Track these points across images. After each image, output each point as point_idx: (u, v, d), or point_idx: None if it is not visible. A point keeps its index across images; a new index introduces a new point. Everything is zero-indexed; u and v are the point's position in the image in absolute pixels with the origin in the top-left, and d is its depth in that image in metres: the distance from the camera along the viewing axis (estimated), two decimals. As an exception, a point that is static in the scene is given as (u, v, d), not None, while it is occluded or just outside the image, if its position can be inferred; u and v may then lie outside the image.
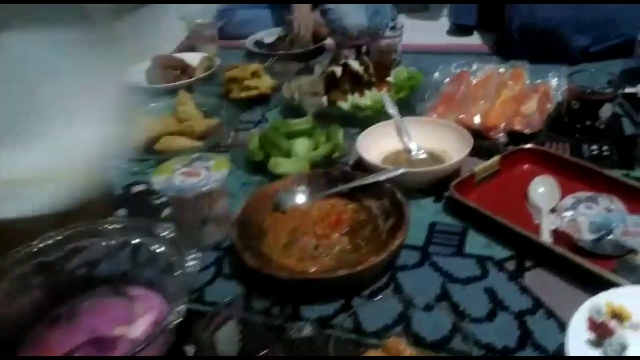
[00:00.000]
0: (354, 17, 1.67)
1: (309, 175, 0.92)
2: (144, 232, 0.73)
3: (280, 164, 0.97)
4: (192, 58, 1.61)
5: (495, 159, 0.91)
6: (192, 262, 0.68)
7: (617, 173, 0.91)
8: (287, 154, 1.01)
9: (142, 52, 1.84)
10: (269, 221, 0.84)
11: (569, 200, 0.81)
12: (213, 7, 1.84)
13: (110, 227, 0.75)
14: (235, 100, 1.33)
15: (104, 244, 0.75)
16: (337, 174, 0.91)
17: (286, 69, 1.51)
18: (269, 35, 1.79)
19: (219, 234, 0.83)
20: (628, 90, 1.15)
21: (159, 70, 1.54)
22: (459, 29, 1.73)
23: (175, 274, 0.68)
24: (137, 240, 0.74)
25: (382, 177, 0.86)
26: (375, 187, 0.86)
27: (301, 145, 1.02)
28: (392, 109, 1.07)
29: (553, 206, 0.82)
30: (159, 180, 0.79)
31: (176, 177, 0.79)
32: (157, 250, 0.72)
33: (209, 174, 0.79)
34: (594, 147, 0.99)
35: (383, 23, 1.68)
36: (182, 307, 0.59)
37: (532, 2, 1.37)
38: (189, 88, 1.43)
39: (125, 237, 0.74)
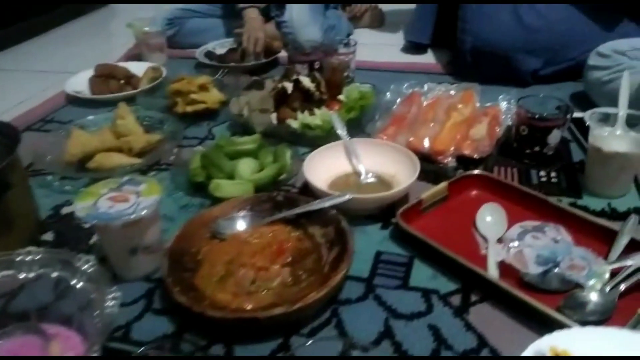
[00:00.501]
0: (309, 31, 1.64)
1: (251, 200, 0.87)
2: (63, 264, 0.67)
3: (221, 187, 0.92)
4: (139, 68, 1.54)
5: (443, 185, 0.89)
6: (112, 300, 0.62)
7: (565, 201, 0.90)
8: (231, 176, 0.96)
9: (87, 60, 1.76)
10: (205, 251, 0.78)
11: (515, 230, 0.79)
12: (164, 15, 1.78)
13: (26, 259, 0.69)
14: (180, 115, 1.27)
15: (19, 276, 0.68)
16: (281, 198, 0.87)
17: (237, 82, 1.45)
18: (221, 46, 1.74)
19: (150, 265, 0.77)
20: (576, 115, 1.16)
21: (101, 79, 1.47)
22: (413, 47, 1.72)
23: (95, 313, 0.62)
24: (55, 274, 0.68)
25: (327, 204, 0.82)
26: (320, 214, 0.82)
27: (245, 166, 0.98)
28: (341, 130, 1.04)
29: (500, 236, 0.80)
30: (82, 206, 0.72)
31: (102, 203, 0.73)
32: (77, 286, 0.66)
33: (139, 199, 0.73)
34: (543, 173, 0.99)
35: (337, 39, 1.66)
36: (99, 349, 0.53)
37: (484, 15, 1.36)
38: (132, 100, 1.36)
39: (43, 270, 0.68)
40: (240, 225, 0.83)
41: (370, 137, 1.10)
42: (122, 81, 1.46)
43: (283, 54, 1.66)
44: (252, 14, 1.73)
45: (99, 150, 1.08)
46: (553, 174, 0.98)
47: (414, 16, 1.67)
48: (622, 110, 0.89)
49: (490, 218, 0.84)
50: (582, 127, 1.11)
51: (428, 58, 1.67)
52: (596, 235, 0.79)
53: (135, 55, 1.72)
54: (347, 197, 0.83)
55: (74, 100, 1.44)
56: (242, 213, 0.84)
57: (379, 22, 2.00)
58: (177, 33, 1.80)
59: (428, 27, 1.64)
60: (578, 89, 1.31)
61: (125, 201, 0.73)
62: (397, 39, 1.85)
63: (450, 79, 1.46)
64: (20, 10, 2.07)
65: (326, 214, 0.82)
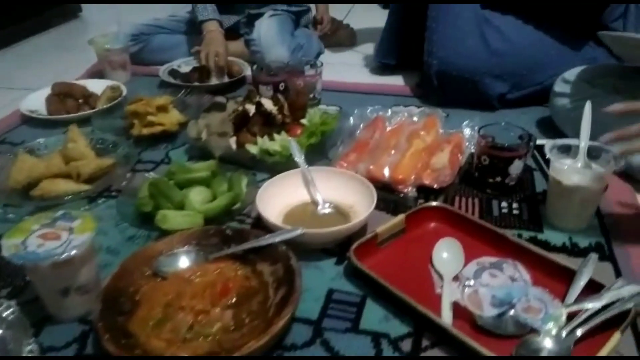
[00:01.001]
0: (276, 51, 1.60)
1: (198, 234, 0.82)
2: (-19, 310, 0.62)
3: (168, 219, 0.87)
4: (99, 86, 1.49)
5: (400, 218, 0.86)
6: (29, 353, 0.57)
7: (525, 234, 0.88)
8: (180, 206, 0.91)
9: (49, 76, 1.70)
10: (145, 290, 0.74)
11: (472, 267, 0.76)
12: (128, 31, 1.73)
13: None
14: (137, 137, 1.22)
15: None
16: (230, 232, 0.82)
17: (199, 102, 1.41)
18: (187, 64, 1.69)
19: (84, 305, 0.72)
20: (540, 142, 1.14)
21: (57, 98, 1.41)
22: (383, 68, 1.70)
23: (12, 365, 0.57)
24: (-28, 321, 0.62)
25: (277, 239, 0.78)
26: (270, 249, 0.78)
27: (196, 196, 0.93)
28: (299, 157, 1.00)
29: (456, 273, 0.77)
30: (10, 244, 0.67)
31: (31, 241, 0.68)
32: (-5, 334, 0.61)
33: (70, 237, 0.68)
34: (504, 204, 0.96)
35: (304, 59, 1.63)
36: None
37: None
38: (88, 120, 1.31)
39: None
40: (184, 262, 0.78)
41: (332, 162, 1.07)
42: (80, 100, 1.41)
43: (249, 73, 1.63)
44: (211, 26, 1.67)
45: (45, 176, 1.03)
46: (515, 205, 0.96)
47: (382, 36, 1.64)
48: (584, 141, 0.87)
49: (446, 254, 0.81)
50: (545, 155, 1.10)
51: (397, 79, 1.65)
52: (555, 274, 0.76)
53: (97, 72, 1.67)
54: (299, 231, 0.79)
55: (29, 120, 1.38)
56: (187, 248, 0.80)
57: (351, 41, 1.98)
58: (142, 49, 1.75)
59: (395, 48, 1.62)
60: (545, 114, 1.30)
61: (57, 239, 0.68)
62: (368, 58, 1.83)
63: (417, 102, 1.45)
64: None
65: (276, 249, 0.78)
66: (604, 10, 1.30)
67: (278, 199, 0.93)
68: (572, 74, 1.19)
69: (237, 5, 1.83)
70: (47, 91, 1.45)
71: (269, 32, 1.64)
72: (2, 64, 1.94)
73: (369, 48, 1.94)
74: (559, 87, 1.20)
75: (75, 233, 0.69)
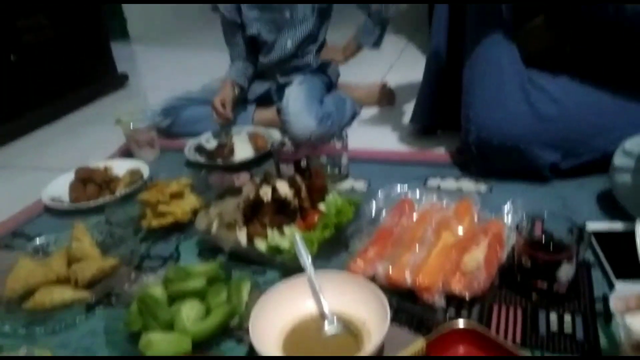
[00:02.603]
0: (303, 120, 1.51)
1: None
2: None
3: (152, 344, 0.76)
4: (124, 167, 1.45)
5: (419, 345, 0.71)
6: None
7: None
8: (169, 325, 0.81)
9: (84, 154, 1.70)
10: None
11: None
12: (157, 106, 1.71)
13: None
14: (148, 229, 1.15)
15: None
16: (216, 365, 0.71)
17: (222, 181, 1.34)
18: (215, 136, 1.63)
19: None
20: (599, 227, 0.95)
21: (79, 184, 1.38)
22: (420, 130, 1.57)
23: None
24: None
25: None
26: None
27: (190, 311, 0.83)
28: (305, 259, 0.88)
29: None
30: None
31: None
32: None
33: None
34: (553, 317, 0.78)
35: (333, 128, 1.54)
36: None
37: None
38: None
39: None
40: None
41: (350, 257, 0.94)
42: (101, 185, 1.37)
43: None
44: (227, 82, 1.71)
45: (43, 284, 0.96)
46: (567, 319, 0.78)
47: (418, 97, 1.51)
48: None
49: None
50: (607, 245, 0.91)
51: (436, 142, 1.50)
52: None
53: (125, 151, 1.65)
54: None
55: (51, 209, 1.35)
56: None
57: (389, 101, 1.86)
58: (172, 123, 1.72)
59: (432, 109, 1.48)
60: (607, 186, 1.10)
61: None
62: (407, 119, 1.70)
63: (457, 172, 1.29)
64: (25, 101, 2.07)
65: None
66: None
67: (280, 313, 0.81)
68: (634, 143, 0.99)
69: (268, 73, 1.79)
70: (71, 176, 1.43)
71: (297, 100, 1.56)
72: (45, 139, 1.98)
73: (408, 108, 1.80)
74: (618, 160, 1.00)
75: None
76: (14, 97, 2.02)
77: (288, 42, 1.70)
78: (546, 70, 1.19)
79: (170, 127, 1.73)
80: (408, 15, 3.11)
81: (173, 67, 2.95)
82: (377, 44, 1.72)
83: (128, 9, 3.72)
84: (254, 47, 1.76)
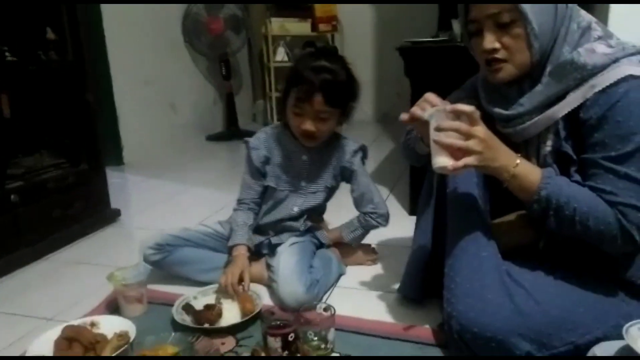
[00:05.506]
0: (292, 287, 1.57)
1: None
2: None
3: None
4: (111, 326, 1.45)
5: None
6: None
7: None
8: None
9: (68, 301, 1.70)
10: None
11: None
12: (155, 241, 1.74)
13: None
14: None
15: None
16: None
17: (208, 350, 1.35)
18: (203, 294, 1.65)
19: None
20: None
21: (65, 344, 1.38)
22: (407, 298, 1.63)
23: None
24: None
25: None
26: None
27: None
28: None
29: None
30: None
31: None
32: None
33: None
34: None
35: (320, 294, 1.59)
36: None
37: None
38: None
39: None
40: None
41: None
42: (87, 347, 1.37)
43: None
44: (241, 250, 1.72)
45: None
46: None
47: (406, 270, 1.60)
48: None
49: None
50: None
51: (421, 315, 1.55)
52: None
53: (113, 304, 1.66)
54: None
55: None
56: None
57: (371, 260, 1.94)
58: (163, 260, 1.74)
59: (420, 284, 1.56)
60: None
61: None
62: (392, 281, 1.76)
63: (440, 351, 1.34)
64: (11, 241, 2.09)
65: None
66: (630, 265, 1.23)
67: None
68: (602, 349, 1.06)
69: (263, 228, 1.86)
70: (58, 332, 1.43)
71: (288, 264, 1.63)
72: (27, 282, 1.96)
73: (393, 266, 1.88)
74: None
75: None
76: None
77: (295, 208, 1.80)
78: (523, 264, 1.30)
79: (159, 262, 1.75)
80: (390, 167, 3.31)
81: (167, 200, 2.99)
82: (356, 240, 1.88)
83: (125, 137, 3.80)
84: (262, 197, 1.84)
